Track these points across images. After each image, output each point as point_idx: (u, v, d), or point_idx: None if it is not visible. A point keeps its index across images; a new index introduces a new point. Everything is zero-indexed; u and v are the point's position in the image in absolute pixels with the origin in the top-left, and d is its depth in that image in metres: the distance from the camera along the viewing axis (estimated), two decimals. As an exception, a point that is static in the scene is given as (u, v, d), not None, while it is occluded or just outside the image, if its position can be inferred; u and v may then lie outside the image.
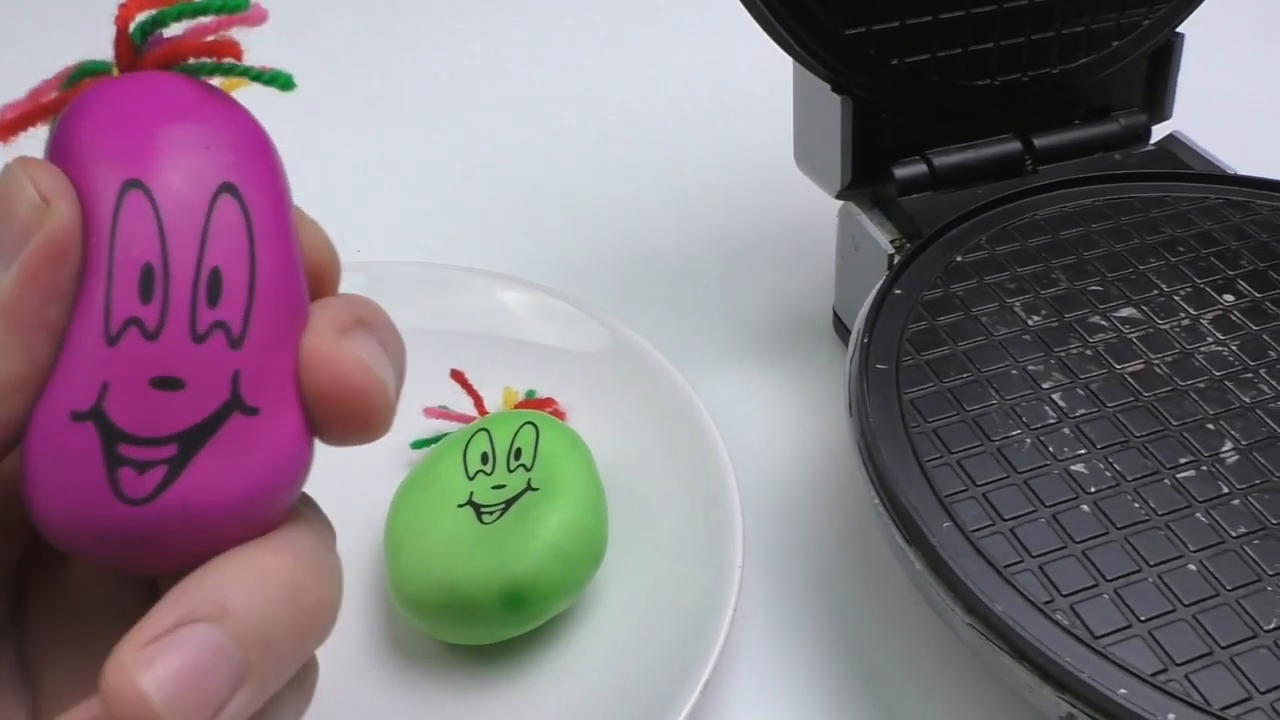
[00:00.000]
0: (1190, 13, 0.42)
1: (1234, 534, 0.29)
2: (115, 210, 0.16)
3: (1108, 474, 0.31)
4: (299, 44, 0.65)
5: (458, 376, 0.39)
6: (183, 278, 0.16)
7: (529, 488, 0.33)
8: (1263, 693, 0.26)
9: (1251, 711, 0.25)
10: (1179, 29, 0.43)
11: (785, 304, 0.46)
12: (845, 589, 0.36)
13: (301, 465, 0.17)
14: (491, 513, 0.33)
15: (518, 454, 0.34)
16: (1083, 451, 0.31)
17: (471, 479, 0.34)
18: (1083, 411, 0.33)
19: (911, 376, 0.34)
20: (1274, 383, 0.33)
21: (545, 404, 0.39)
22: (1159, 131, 0.45)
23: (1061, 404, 0.33)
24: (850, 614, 0.35)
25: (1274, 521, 0.29)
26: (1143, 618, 0.27)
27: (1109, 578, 0.28)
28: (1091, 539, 0.29)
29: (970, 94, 0.41)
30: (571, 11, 0.71)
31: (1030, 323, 0.36)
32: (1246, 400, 0.33)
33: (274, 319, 0.16)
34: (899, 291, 0.37)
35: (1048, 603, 0.27)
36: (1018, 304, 0.36)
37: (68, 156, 0.16)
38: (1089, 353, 0.35)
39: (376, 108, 0.61)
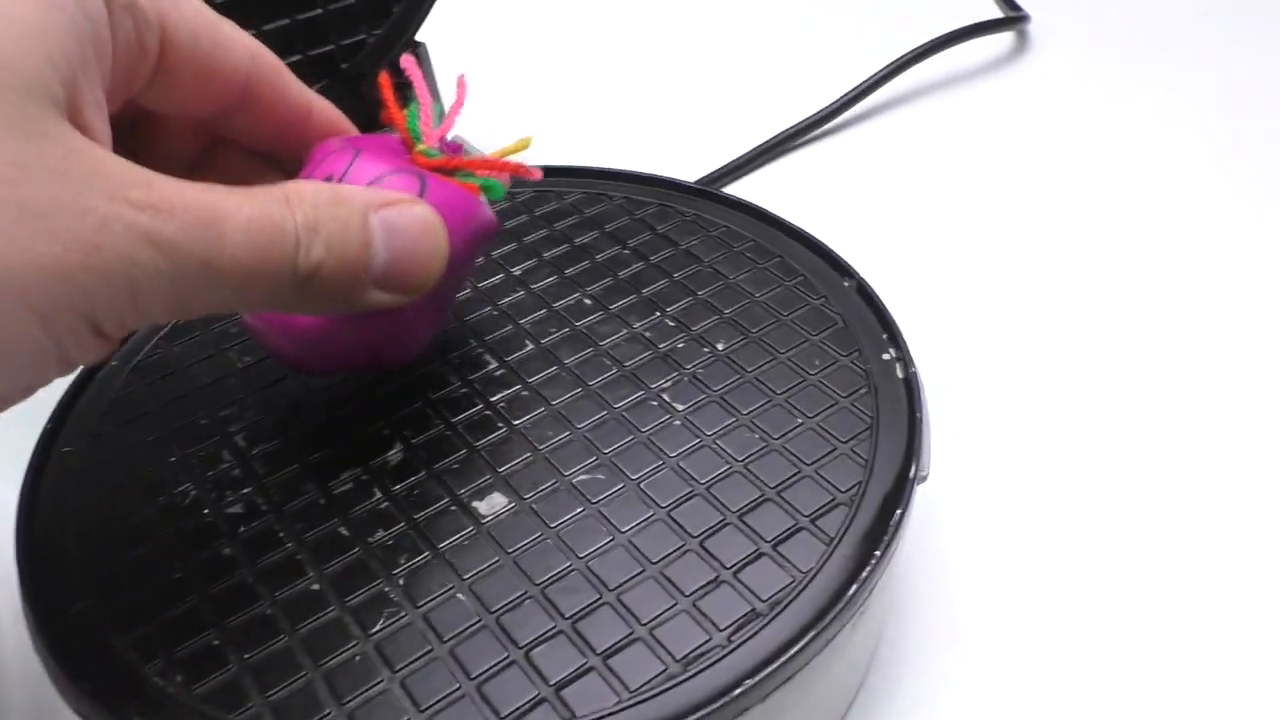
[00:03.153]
0: (419, 23, 0.43)
1: (370, 540, 0.29)
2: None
3: (264, 507, 0.30)
4: None
5: None
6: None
7: None
8: (343, 703, 0.25)
9: (327, 725, 0.25)
10: (418, 39, 0.43)
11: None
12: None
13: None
14: None
15: None
16: (247, 490, 0.31)
17: None
18: (262, 447, 0.32)
19: (95, 450, 0.32)
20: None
21: None
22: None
23: (242, 444, 0.32)
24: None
25: (415, 516, 0.29)
26: (247, 654, 0.26)
27: (226, 619, 0.27)
28: (223, 582, 0.28)
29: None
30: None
31: (240, 364, 0.35)
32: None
33: None
34: (115, 362, 0.35)
35: (151, 665, 0.26)
36: (234, 347, 0.35)
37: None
38: (288, 381, 0.34)
39: None
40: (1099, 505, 0.36)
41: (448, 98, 0.44)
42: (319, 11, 0.41)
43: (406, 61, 0.32)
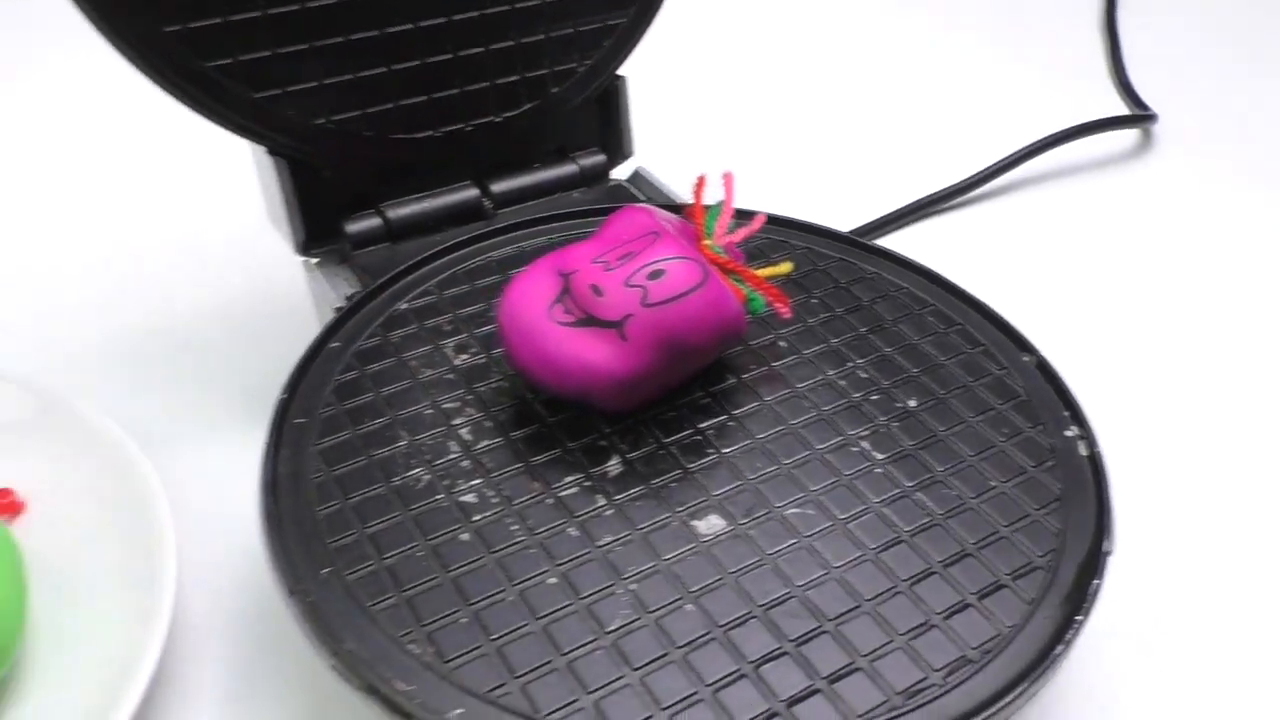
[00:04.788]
0: (624, 58, 0.45)
1: (599, 543, 0.31)
2: None
3: (495, 500, 0.32)
4: None
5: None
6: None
7: None
8: (589, 691, 0.27)
9: (576, 712, 0.27)
10: (619, 72, 0.46)
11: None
12: (297, 645, 0.36)
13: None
14: None
15: None
16: (477, 481, 0.33)
17: None
18: (486, 443, 0.34)
19: (327, 426, 0.34)
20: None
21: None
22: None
23: (468, 438, 0.34)
24: (302, 670, 0.35)
25: (639, 526, 0.31)
26: (494, 636, 0.28)
27: (471, 601, 0.29)
28: (464, 565, 0.30)
29: (411, 146, 0.42)
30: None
31: (457, 362, 0.37)
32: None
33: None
34: (337, 344, 0.38)
35: (405, 634, 0.28)
36: (450, 345, 0.38)
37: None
38: (505, 385, 0.36)
39: None
40: (1267, 600, 0.38)
41: (643, 123, 0.46)
42: (542, 37, 0.43)
43: (726, 178, 0.37)
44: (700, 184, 0.37)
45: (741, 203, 0.39)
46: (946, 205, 0.58)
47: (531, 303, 0.33)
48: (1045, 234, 0.57)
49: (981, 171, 0.59)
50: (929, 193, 0.58)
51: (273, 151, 0.39)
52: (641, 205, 0.35)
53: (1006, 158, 0.60)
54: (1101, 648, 0.36)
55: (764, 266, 0.36)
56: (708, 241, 0.36)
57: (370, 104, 0.40)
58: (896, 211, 0.56)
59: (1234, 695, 0.35)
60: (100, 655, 0.33)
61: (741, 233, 0.37)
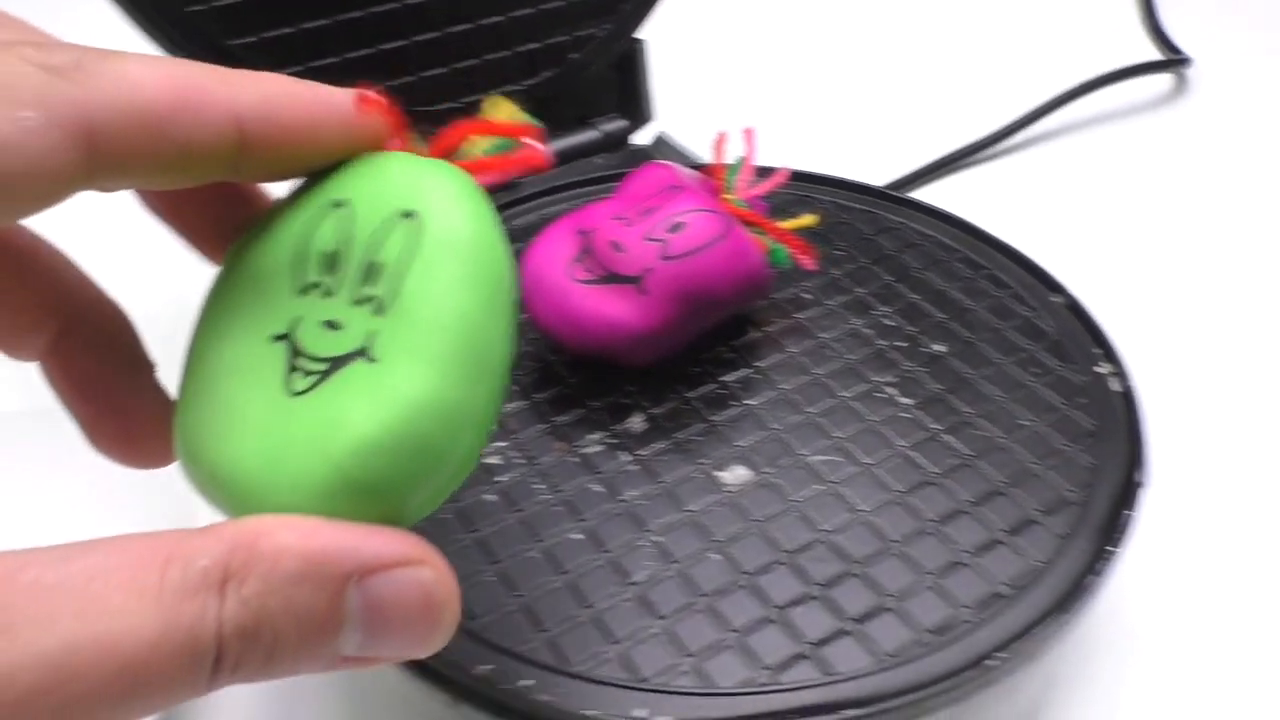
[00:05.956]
0: (642, 22, 0.45)
1: (621, 497, 0.31)
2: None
3: (519, 460, 0.32)
4: None
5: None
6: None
7: (364, 354, 0.19)
8: (615, 642, 0.27)
9: (604, 664, 0.27)
10: (638, 36, 0.46)
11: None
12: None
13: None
14: (309, 374, 0.19)
15: (371, 272, 0.20)
16: (502, 444, 0.33)
17: (303, 293, 0.20)
18: (509, 406, 0.34)
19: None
20: (691, 351, 0.35)
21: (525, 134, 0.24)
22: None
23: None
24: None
25: (663, 479, 0.31)
26: (519, 593, 0.28)
27: (496, 560, 0.29)
28: (489, 526, 0.30)
29: (433, 118, 0.42)
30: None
31: (481, 328, 0.37)
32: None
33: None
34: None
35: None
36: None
37: None
38: (529, 349, 0.36)
39: None
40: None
41: (666, 87, 0.46)
42: (562, 3, 0.43)
43: (746, 133, 0.37)
44: (721, 140, 0.37)
45: (770, 162, 0.39)
46: (979, 157, 0.58)
47: (552, 263, 0.33)
48: (1080, 181, 0.56)
49: (1013, 122, 0.58)
50: (961, 145, 0.57)
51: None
52: (661, 162, 0.35)
53: (1039, 107, 0.59)
54: (1126, 593, 0.36)
55: (787, 220, 0.36)
56: (728, 195, 0.35)
57: (393, 77, 0.40)
58: (929, 165, 0.55)
59: (1264, 639, 0.34)
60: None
61: (764, 186, 0.36)
